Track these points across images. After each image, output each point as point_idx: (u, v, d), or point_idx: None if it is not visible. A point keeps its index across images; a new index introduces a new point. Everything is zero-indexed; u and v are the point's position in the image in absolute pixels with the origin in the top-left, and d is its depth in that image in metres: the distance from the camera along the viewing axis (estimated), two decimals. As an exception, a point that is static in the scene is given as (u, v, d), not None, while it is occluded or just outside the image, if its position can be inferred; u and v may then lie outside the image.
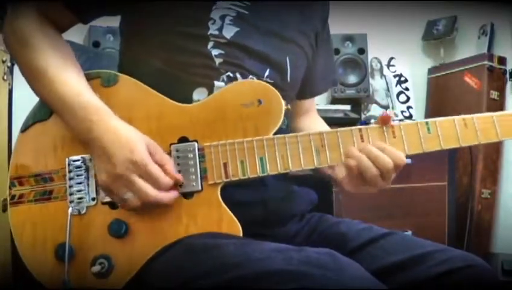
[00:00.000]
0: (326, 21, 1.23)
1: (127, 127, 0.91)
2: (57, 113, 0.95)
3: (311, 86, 1.25)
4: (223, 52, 0.99)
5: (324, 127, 1.27)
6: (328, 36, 1.26)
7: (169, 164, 0.91)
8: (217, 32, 0.98)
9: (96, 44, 2.25)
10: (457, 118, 0.94)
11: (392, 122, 0.94)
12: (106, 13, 1.07)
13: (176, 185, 0.91)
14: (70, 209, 0.93)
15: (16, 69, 1.17)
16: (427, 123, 0.94)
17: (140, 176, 0.87)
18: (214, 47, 0.99)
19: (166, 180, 0.89)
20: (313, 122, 1.29)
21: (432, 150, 0.92)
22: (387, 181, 0.94)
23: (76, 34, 2.22)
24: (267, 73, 1.03)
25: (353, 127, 0.94)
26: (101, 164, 0.89)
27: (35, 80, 0.95)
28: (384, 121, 0.94)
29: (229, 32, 0.99)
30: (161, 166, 0.89)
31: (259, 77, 1.02)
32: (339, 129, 0.94)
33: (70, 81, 0.94)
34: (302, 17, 1.12)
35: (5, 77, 1.89)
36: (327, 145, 0.93)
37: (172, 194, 0.90)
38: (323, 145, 0.93)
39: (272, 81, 1.03)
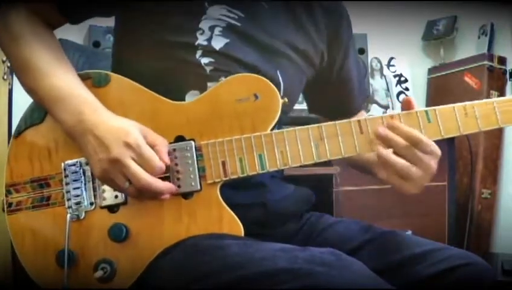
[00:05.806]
0: (341, 34, 1.17)
1: (118, 117, 0.90)
2: (45, 107, 0.94)
3: (352, 102, 1.24)
4: (212, 60, 0.97)
5: None
6: (353, 50, 1.23)
7: (162, 145, 0.89)
8: (205, 43, 0.97)
9: (96, 44, 2.24)
10: (457, 106, 0.92)
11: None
12: (95, 15, 1.06)
13: (173, 181, 0.90)
14: (68, 216, 0.92)
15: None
16: (426, 112, 0.92)
17: (133, 159, 0.86)
18: (202, 56, 0.97)
19: (160, 163, 0.87)
20: None
21: (432, 139, 0.90)
22: (422, 167, 0.88)
23: (77, 34, 2.22)
24: None
25: (352, 119, 0.92)
26: (94, 155, 0.87)
27: (24, 73, 0.94)
28: (408, 105, 0.92)
29: (218, 43, 0.98)
30: (153, 146, 0.88)
31: None
32: (337, 121, 0.92)
33: (60, 74, 0.93)
34: (297, 32, 1.08)
35: (5, 77, 1.89)
36: (326, 138, 0.91)
37: (169, 184, 0.89)
38: (322, 138, 0.91)
39: None
